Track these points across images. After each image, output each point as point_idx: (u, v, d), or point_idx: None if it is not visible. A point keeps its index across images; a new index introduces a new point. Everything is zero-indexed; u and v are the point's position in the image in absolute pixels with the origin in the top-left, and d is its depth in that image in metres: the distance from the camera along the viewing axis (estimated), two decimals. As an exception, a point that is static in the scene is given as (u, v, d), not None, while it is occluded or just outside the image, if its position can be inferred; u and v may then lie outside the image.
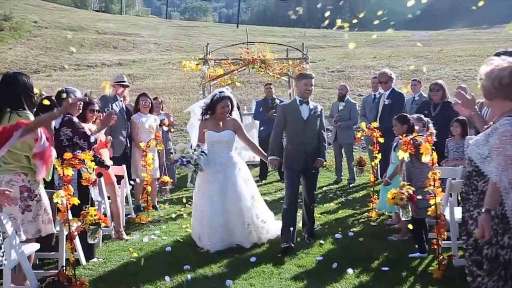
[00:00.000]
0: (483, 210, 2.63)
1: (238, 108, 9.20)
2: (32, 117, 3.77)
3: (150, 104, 7.06)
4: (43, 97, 7.96)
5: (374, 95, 8.27)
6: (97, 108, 5.39)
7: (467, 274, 2.86)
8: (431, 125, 5.42)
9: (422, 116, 5.52)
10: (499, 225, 2.66)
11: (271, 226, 5.28)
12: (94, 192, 4.68)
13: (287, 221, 5.04)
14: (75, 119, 4.72)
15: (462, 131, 5.65)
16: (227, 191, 5.04)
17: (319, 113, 5.18)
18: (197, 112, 5.59)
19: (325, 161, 5.14)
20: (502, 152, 2.56)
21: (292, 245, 4.90)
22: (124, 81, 7.32)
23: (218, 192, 5.02)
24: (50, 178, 3.91)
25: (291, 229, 5.01)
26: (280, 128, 5.27)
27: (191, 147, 5.06)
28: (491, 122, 2.85)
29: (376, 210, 6.12)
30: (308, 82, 5.10)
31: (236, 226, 5.01)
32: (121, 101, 7.12)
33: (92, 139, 4.71)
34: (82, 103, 4.86)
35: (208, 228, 5.00)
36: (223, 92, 5.28)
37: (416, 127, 5.17)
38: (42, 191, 3.93)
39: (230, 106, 5.25)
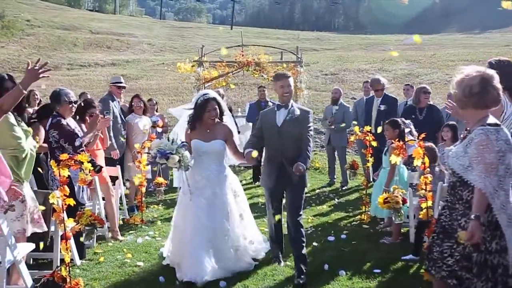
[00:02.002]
0: (472, 216, 2.69)
1: (231, 110, 9.26)
2: (9, 115, 3.76)
3: (143, 105, 7.10)
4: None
5: (366, 99, 8.35)
6: (97, 112, 5.41)
7: (445, 277, 2.92)
8: (412, 126, 5.58)
9: (403, 118, 5.70)
10: (486, 232, 2.74)
11: (259, 246, 4.80)
12: (81, 195, 4.69)
13: (273, 240, 4.73)
14: (63, 122, 4.71)
15: (453, 135, 5.77)
16: (215, 209, 4.41)
17: (297, 116, 4.30)
18: (183, 116, 4.88)
19: (306, 168, 4.24)
20: (482, 161, 2.65)
21: (282, 263, 4.62)
22: (121, 82, 7.24)
23: (205, 210, 4.37)
24: (27, 177, 3.93)
25: (279, 244, 4.75)
26: (256, 134, 4.62)
27: (168, 139, 4.49)
28: (465, 131, 2.94)
29: (369, 213, 6.19)
30: (284, 83, 4.31)
31: (222, 251, 4.35)
32: (118, 102, 7.13)
33: (77, 143, 4.70)
34: (74, 104, 4.84)
35: (189, 252, 4.28)
36: (207, 94, 4.63)
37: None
38: (26, 191, 3.93)
39: (217, 110, 4.55)
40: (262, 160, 4.73)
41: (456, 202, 2.90)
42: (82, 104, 5.48)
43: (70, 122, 4.86)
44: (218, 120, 4.61)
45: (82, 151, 4.59)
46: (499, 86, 2.74)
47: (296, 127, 4.31)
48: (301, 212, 4.43)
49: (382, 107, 7.26)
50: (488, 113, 2.79)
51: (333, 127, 8.38)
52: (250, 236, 4.67)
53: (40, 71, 3.43)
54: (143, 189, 6.50)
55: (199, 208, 4.37)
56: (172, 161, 4.15)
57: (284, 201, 4.58)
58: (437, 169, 5.13)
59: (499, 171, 2.65)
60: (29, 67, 3.43)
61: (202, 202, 4.40)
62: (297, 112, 4.33)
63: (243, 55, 9.15)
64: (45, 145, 5.05)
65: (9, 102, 3.49)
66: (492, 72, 2.77)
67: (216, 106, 4.53)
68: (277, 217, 4.56)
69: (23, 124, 4.03)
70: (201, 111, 4.49)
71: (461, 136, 2.99)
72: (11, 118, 3.83)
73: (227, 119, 4.78)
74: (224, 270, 4.27)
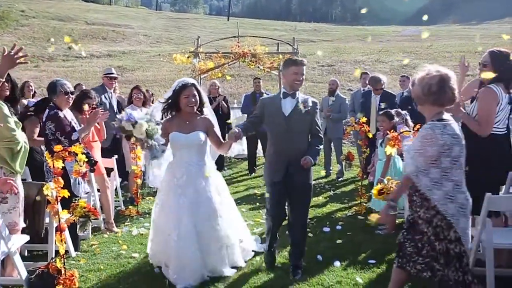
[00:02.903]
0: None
1: (227, 102, 9.25)
2: (3, 107, 3.72)
3: (143, 97, 7.11)
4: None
5: (363, 90, 8.34)
6: (94, 103, 5.38)
7: (421, 270, 3.02)
8: (408, 117, 5.59)
9: (399, 110, 5.72)
10: (443, 221, 2.88)
11: (247, 244, 4.51)
12: (78, 187, 4.65)
13: (271, 243, 4.32)
14: (61, 114, 4.68)
15: None
16: (198, 208, 4.03)
17: (309, 108, 4.01)
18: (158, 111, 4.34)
19: (315, 163, 4.00)
20: (423, 154, 2.82)
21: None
22: (112, 73, 7.43)
23: (187, 210, 3.98)
24: (21, 170, 3.89)
25: (275, 249, 4.39)
26: (253, 121, 4.20)
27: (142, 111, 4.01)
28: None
29: (364, 204, 6.21)
30: (298, 70, 3.95)
31: (209, 252, 4.04)
32: (110, 93, 7.22)
33: (74, 137, 4.65)
34: (71, 94, 4.80)
35: (175, 257, 3.95)
36: (185, 80, 4.24)
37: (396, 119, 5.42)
38: (19, 183, 3.91)
39: (197, 96, 4.15)
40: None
41: (413, 194, 3.03)
42: (79, 95, 5.45)
43: (67, 113, 4.82)
44: (198, 112, 4.23)
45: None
46: (455, 86, 2.92)
47: (307, 118, 4.02)
48: (308, 213, 4.24)
49: (383, 105, 7.24)
50: (443, 110, 2.94)
51: (331, 117, 8.37)
52: (237, 234, 4.36)
53: (16, 56, 3.35)
54: (139, 181, 6.49)
55: (181, 208, 3.99)
56: (139, 128, 3.72)
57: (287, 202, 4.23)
58: None
59: (442, 163, 2.80)
60: (5, 54, 3.35)
61: (184, 201, 4.01)
62: (310, 103, 4.03)
63: (239, 46, 9.12)
64: (40, 138, 5.02)
65: None
66: (450, 72, 2.94)
67: (195, 93, 4.13)
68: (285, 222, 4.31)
69: (14, 116, 3.99)
70: (178, 97, 4.11)
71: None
72: (5, 109, 3.78)
73: (207, 112, 4.39)
74: (212, 272, 4.05)
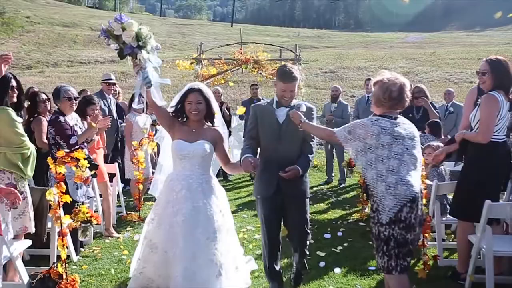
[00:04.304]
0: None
1: (229, 109, 9.28)
2: (11, 112, 3.75)
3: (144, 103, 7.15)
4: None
5: (368, 97, 8.36)
6: (97, 108, 5.42)
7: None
8: None
9: None
10: (380, 205, 3.04)
11: (242, 272, 3.98)
12: (76, 193, 4.66)
13: (270, 274, 3.79)
14: (61, 119, 4.70)
15: (430, 132, 5.85)
16: (196, 228, 3.52)
17: (303, 112, 3.58)
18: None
19: (302, 174, 3.63)
20: (353, 131, 3.12)
21: None
22: (111, 79, 7.44)
23: (183, 229, 3.51)
24: (31, 174, 3.93)
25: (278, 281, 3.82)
26: (251, 134, 3.80)
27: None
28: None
29: (366, 211, 6.21)
30: (286, 88, 3.60)
31: (202, 278, 3.48)
32: (109, 99, 7.21)
33: (72, 141, 4.66)
34: (75, 100, 4.84)
35: (175, 270, 3.52)
36: (192, 85, 3.81)
37: None
38: (27, 188, 3.95)
39: (203, 103, 3.69)
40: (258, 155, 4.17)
41: (368, 187, 3.24)
42: (82, 101, 5.49)
43: (70, 118, 4.84)
44: (208, 122, 3.81)
45: (77, 149, 4.59)
46: (409, 94, 3.17)
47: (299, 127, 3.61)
48: (309, 232, 3.84)
49: None
50: (392, 111, 3.15)
51: (333, 121, 8.39)
52: (235, 260, 3.88)
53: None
54: (141, 186, 6.52)
55: (176, 226, 3.55)
56: (129, 29, 3.21)
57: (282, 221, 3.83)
58: (446, 168, 5.17)
59: (377, 150, 3.01)
60: None
61: (180, 219, 3.54)
62: (303, 108, 3.63)
63: (241, 53, 9.18)
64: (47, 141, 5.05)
65: None
66: (407, 81, 3.18)
67: (201, 100, 3.67)
68: (284, 231, 3.85)
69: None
70: (181, 103, 3.71)
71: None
72: (13, 113, 3.79)
73: (219, 123, 3.93)
74: None
